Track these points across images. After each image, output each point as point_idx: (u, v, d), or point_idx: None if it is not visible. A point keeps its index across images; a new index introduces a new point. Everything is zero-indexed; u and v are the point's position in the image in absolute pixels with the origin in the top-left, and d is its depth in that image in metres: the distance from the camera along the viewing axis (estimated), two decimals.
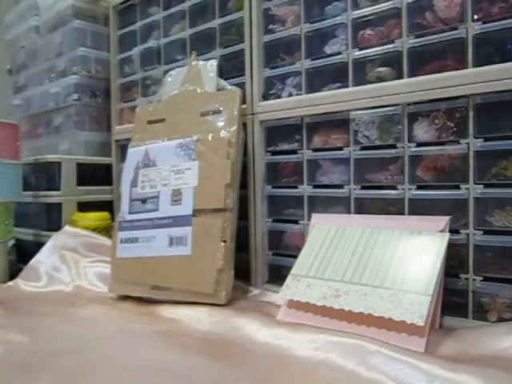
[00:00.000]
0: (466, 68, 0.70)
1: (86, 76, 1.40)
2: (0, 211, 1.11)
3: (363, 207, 0.83)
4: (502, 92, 0.67)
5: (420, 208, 0.76)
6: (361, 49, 0.82)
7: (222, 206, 0.86)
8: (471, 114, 0.70)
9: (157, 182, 0.95)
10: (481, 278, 0.70)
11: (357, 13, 0.82)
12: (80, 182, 1.29)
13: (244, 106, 0.97)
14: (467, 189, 0.71)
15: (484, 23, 0.69)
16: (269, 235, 0.98)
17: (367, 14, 0.81)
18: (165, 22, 1.19)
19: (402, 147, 0.77)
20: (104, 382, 0.55)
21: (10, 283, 1.07)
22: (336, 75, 0.86)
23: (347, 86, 0.84)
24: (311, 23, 0.89)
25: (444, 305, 0.70)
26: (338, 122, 0.86)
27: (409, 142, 0.77)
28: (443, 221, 0.70)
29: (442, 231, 0.69)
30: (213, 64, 1.01)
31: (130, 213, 0.98)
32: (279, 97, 0.95)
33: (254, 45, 0.97)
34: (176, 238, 0.89)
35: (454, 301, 0.72)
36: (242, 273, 0.96)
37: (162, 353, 0.64)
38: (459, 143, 0.71)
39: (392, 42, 0.78)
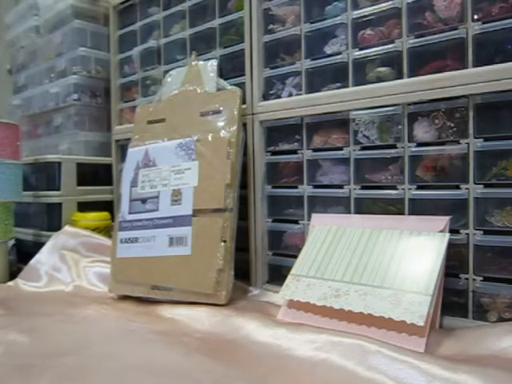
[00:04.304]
0: (466, 68, 0.70)
1: (86, 76, 1.41)
2: (0, 211, 1.11)
3: (363, 207, 0.83)
4: (502, 92, 0.67)
5: (420, 208, 0.76)
6: (361, 49, 0.82)
7: (222, 206, 0.86)
8: (471, 114, 0.70)
9: (157, 182, 0.95)
10: (481, 278, 0.70)
11: (357, 13, 0.82)
12: (80, 182, 1.29)
13: (244, 106, 0.97)
14: (467, 189, 0.71)
15: (484, 23, 0.69)
16: (269, 235, 0.98)
17: (367, 13, 0.81)
18: (165, 22, 1.19)
19: (402, 147, 0.77)
20: (104, 382, 0.55)
21: (10, 283, 1.07)
22: (336, 75, 0.86)
23: (347, 86, 0.84)
24: (311, 23, 0.89)
25: (444, 305, 0.70)
26: (338, 122, 0.86)
27: (409, 142, 0.77)
28: (443, 221, 0.70)
29: (441, 231, 0.69)
30: (213, 64, 1.01)
31: (130, 213, 0.98)
32: (279, 97, 0.95)
33: (254, 45, 0.97)
34: (176, 238, 0.89)
35: (454, 301, 0.72)
36: (242, 273, 0.96)
37: (162, 353, 0.63)
38: (459, 143, 0.71)
39: (392, 42, 0.78)
